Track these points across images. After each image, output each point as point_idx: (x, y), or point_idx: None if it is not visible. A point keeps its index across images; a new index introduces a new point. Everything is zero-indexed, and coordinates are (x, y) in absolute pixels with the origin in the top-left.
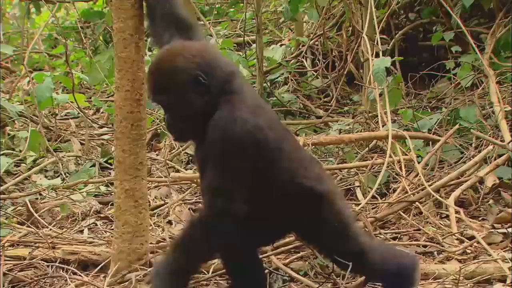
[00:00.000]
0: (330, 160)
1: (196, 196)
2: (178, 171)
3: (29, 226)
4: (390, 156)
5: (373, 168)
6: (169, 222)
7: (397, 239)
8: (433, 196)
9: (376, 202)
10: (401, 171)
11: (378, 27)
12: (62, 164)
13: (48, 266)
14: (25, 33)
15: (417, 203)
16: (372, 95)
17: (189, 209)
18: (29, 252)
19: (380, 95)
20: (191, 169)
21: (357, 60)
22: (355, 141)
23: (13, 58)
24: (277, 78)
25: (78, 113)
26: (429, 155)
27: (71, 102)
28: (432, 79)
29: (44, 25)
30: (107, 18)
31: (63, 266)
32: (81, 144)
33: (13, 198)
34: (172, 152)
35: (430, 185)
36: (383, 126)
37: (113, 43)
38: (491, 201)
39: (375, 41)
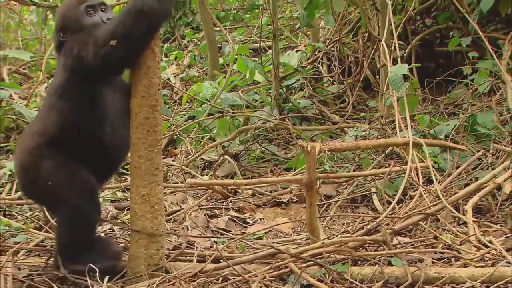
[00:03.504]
0: (346, 166)
1: (212, 202)
2: (194, 177)
3: (47, 231)
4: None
5: (389, 174)
6: (185, 228)
7: (414, 247)
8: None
9: (394, 216)
10: (418, 179)
11: (396, 33)
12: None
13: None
14: (42, 39)
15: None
16: (389, 101)
17: (205, 214)
18: (46, 259)
19: (397, 100)
20: (207, 175)
21: (373, 66)
22: (372, 147)
23: (31, 64)
24: (293, 84)
25: None
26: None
27: None
28: (449, 85)
29: None
30: None
31: None
32: None
33: (30, 203)
34: (188, 158)
35: (447, 198)
36: (400, 132)
37: None
38: (509, 208)
39: (392, 47)
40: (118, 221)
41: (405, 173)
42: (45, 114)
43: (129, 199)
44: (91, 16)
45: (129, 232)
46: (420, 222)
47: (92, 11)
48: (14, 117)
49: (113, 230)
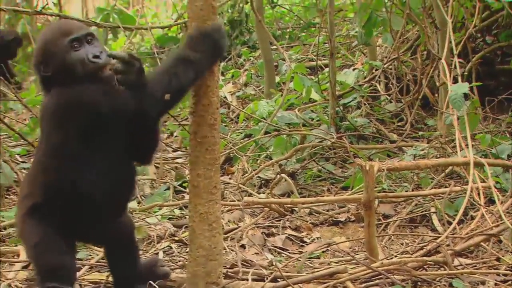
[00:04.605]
0: (405, 186)
1: (269, 220)
2: (250, 195)
3: None
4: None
5: (450, 194)
6: (242, 246)
7: (476, 268)
8: None
9: (455, 236)
10: (479, 199)
11: (456, 51)
12: (138, 187)
13: None
14: None
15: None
16: (449, 120)
17: (262, 233)
18: (107, 276)
19: (457, 119)
20: (263, 193)
21: (431, 84)
22: (432, 167)
23: None
24: (350, 102)
25: None
26: None
27: None
28: (511, 104)
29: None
30: (181, 43)
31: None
32: (156, 167)
33: None
34: (244, 176)
35: (510, 219)
36: (460, 151)
37: None
38: None
39: (452, 65)
40: (176, 238)
41: (466, 193)
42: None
43: (187, 216)
44: (76, 50)
45: (187, 250)
46: (482, 243)
47: (78, 45)
48: None
49: (171, 248)
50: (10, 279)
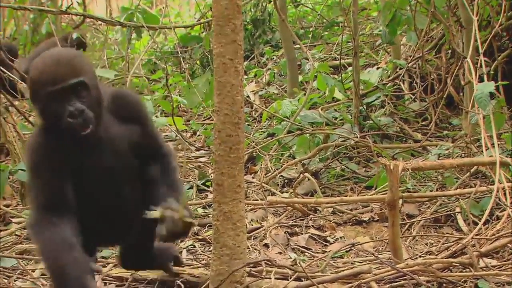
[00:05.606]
0: (429, 185)
1: (292, 220)
2: (273, 194)
3: None
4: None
5: (475, 194)
6: (266, 245)
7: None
8: None
9: (482, 237)
10: (506, 199)
11: (482, 50)
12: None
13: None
14: (127, 57)
15: None
16: (474, 119)
17: (285, 232)
18: (131, 274)
19: (483, 118)
20: (286, 192)
21: (456, 83)
22: (457, 167)
23: (115, 83)
24: (373, 101)
25: (176, 136)
26: None
27: (169, 125)
28: None
29: (145, 50)
30: (204, 42)
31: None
32: (179, 166)
33: None
34: (267, 175)
35: None
36: (486, 150)
37: (210, 67)
38: None
39: (478, 64)
40: (199, 237)
41: (491, 193)
42: None
43: (210, 215)
44: (56, 102)
45: (211, 249)
46: (509, 244)
47: (60, 96)
48: None
49: (195, 247)
50: (36, 278)
